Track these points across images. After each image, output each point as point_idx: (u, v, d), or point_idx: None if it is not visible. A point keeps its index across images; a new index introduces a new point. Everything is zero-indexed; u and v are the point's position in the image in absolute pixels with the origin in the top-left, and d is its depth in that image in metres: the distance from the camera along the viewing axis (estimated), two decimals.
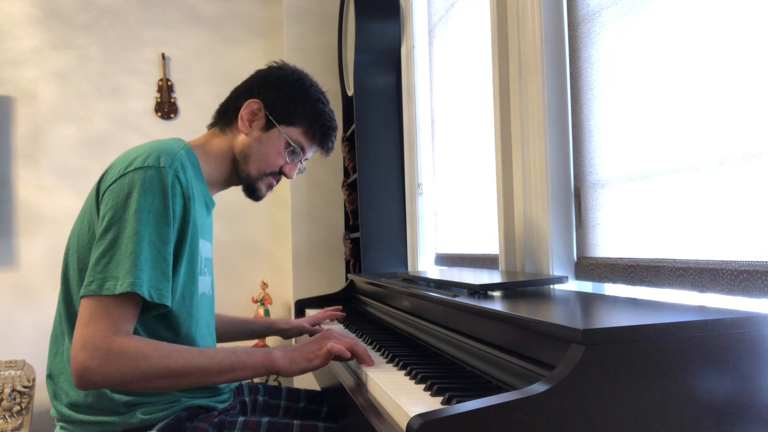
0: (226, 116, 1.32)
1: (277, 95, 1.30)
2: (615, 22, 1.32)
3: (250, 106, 1.28)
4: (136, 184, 1.07)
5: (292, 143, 1.31)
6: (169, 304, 1.07)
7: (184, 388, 1.13)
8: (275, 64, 1.37)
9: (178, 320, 1.13)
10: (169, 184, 1.09)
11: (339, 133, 3.20)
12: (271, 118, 1.29)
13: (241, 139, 1.29)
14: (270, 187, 1.34)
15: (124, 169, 1.09)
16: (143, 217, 1.05)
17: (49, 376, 1.17)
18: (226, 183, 1.34)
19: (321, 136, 1.35)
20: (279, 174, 1.33)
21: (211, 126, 1.35)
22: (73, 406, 1.12)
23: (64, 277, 1.17)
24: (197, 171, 1.23)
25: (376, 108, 2.77)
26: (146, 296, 1.02)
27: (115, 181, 1.09)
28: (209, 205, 1.29)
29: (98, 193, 1.12)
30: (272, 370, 1.08)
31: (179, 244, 1.12)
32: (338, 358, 1.11)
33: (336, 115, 1.37)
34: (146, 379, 1.02)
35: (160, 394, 1.13)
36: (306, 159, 1.36)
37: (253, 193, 1.33)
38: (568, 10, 1.48)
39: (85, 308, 1.02)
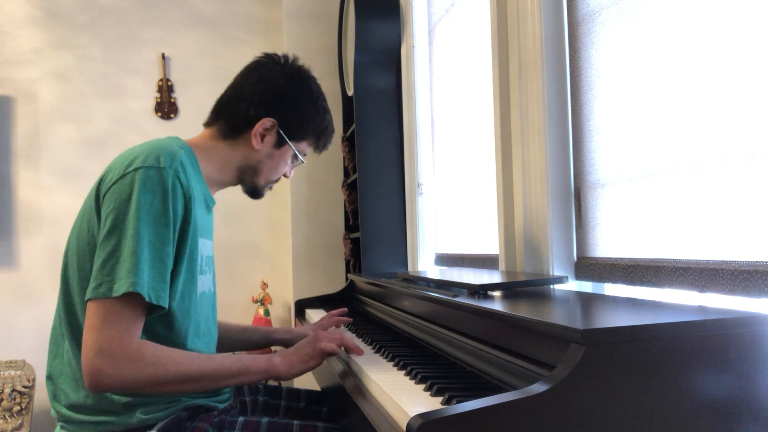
0: (233, 124, 1.29)
1: (291, 115, 1.31)
2: (615, 22, 1.32)
3: (264, 123, 1.28)
4: (137, 184, 1.07)
5: (299, 156, 1.36)
6: (166, 305, 1.07)
7: (192, 392, 1.15)
8: (281, 70, 1.32)
9: (176, 319, 1.14)
10: (169, 185, 1.09)
11: (339, 133, 3.20)
12: (283, 134, 1.31)
13: (251, 154, 1.30)
14: (271, 187, 1.40)
15: (124, 170, 1.09)
16: (143, 216, 1.05)
17: (49, 377, 1.17)
18: (227, 185, 1.35)
19: (324, 143, 1.41)
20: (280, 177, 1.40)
21: (209, 125, 1.33)
22: (73, 406, 1.12)
23: (64, 279, 1.17)
24: (197, 170, 1.23)
25: (376, 108, 2.77)
26: (146, 297, 1.03)
27: (115, 182, 1.09)
28: (209, 204, 1.29)
29: (98, 195, 1.12)
30: (273, 375, 1.15)
31: (180, 244, 1.12)
32: (331, 355, 1.20)
33: (336, 115, 1.41)
34: (161, 384, 1.04)
35: (160, 394, 1.13)
36: None
37: (257, 196, 1.39)
38: (568, 10, 1.48)
39: (95, 312, 1.02)
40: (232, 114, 1.30)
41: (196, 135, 1.33)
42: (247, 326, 1.60)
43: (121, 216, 1.06)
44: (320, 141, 1.39)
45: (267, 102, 1.29)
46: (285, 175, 1.39)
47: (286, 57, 1.36)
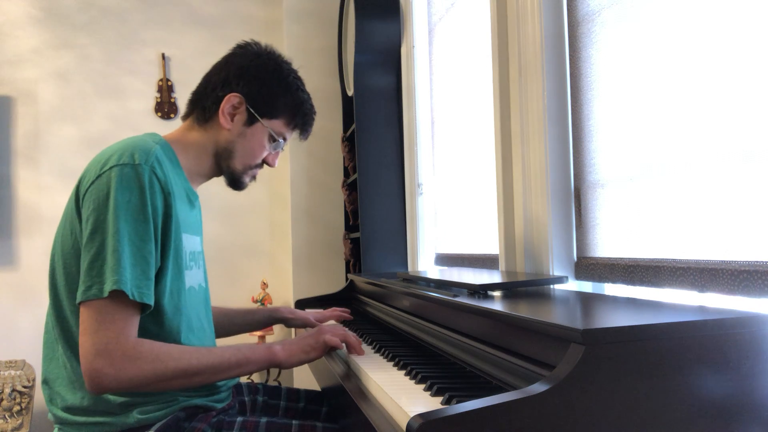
0: (203, 109, 1.28)
1: (258, 88, 1.28)
2: (615, 22, 1.32)
3: (231, 100, 1.26)
4: (113, 183, 1.06)
5: (275, 135, 1.31)
6: (150, 303, 1.06)
7: (193, 387, 1.14)
8: (250, 50, 1.32)
9: (166, 315, 1.13)
10: (146, 181, 1.08)
11: (339, 133, 3.20)
12: (253, 112, 1.27)
13: (223, 134, 1.27)
14: (253, 177, 1.35)
15: (99, 170, 1.09)
16: (121, 214, 1.05)
17: (45, 382, 1.16)
18: (208, 176, 1.33)
19: (303, 124, 1.35)
20: (262, 164, 1.34)
21: (186, 117, 1.32)
22: (70, 409, 1.11)
23: (52, 283, 1.16)
24: (175, 165, 1.22)
25: (376, 108, 2.77)
26: (129, 295, 1.02)
27: (92, 182, 1.08)
28: (192, 199, 1.27)
29: (78, 197, 1.11)
30: (274, 363, 1.14)
31: (164, 240, 1.12)
32: (333, 349, 1.19)
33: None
34: (162, 380, 1.04)
35: (157, 394, 1.12)
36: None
37: (238, 185, 1.33)
38: (568, 10, 1.48)
39: (88, 314, 1.02)
40: (202, 99, 1.29)
41: (175, 129, 1.32)
42: (250, 308, 1.64)
43: (101, 216, 1.05)
44: (297, 119, 1.33)
45: (231, 79, 1.27)
46: (268, 163, 1.34)
47: (257, 42, 1.34)
